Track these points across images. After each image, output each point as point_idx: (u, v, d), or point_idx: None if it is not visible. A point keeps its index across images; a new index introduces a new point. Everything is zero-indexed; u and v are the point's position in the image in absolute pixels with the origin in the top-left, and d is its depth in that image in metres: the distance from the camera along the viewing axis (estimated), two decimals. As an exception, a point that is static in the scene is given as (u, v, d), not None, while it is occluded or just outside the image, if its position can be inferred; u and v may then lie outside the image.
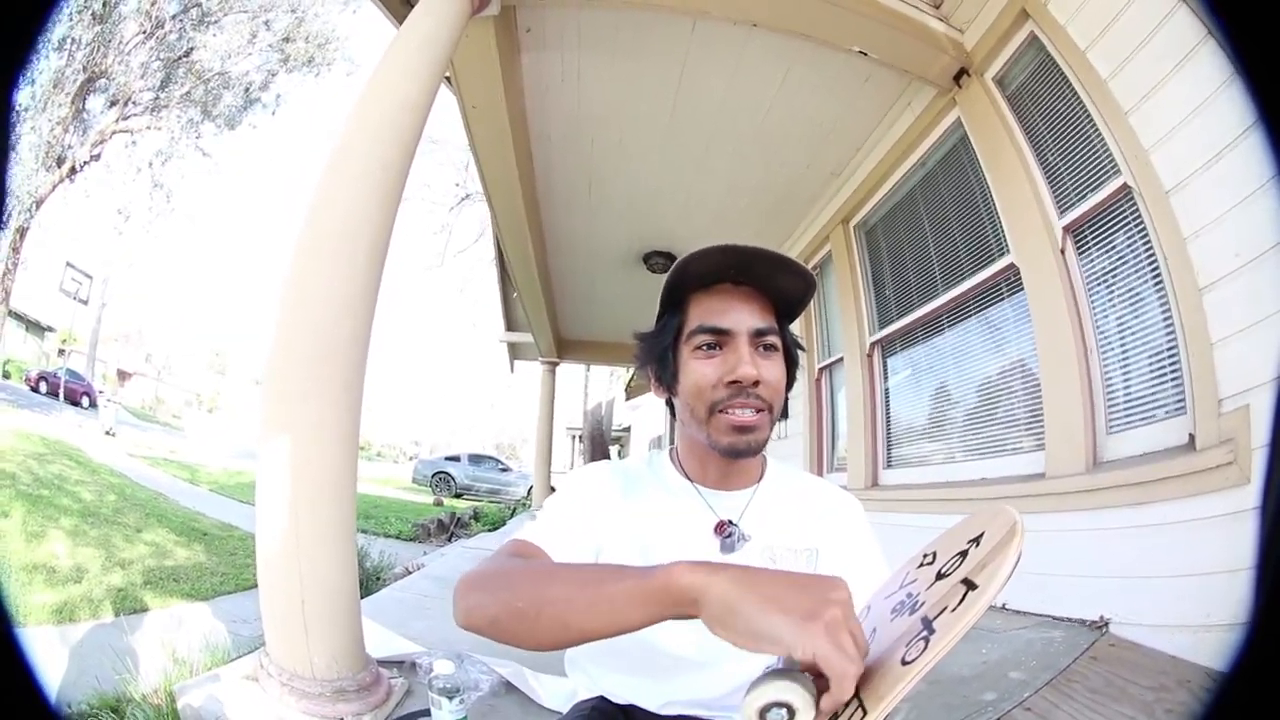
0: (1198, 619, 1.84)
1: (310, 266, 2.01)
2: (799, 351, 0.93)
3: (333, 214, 2.03)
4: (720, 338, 0.84)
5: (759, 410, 0.83)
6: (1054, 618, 2.31)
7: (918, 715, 1.78)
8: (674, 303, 0.89)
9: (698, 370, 0.85)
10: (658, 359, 0.91)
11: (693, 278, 0.86)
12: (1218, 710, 0.51)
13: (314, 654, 1.83)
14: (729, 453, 0.84)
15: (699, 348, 0.85)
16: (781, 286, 0.87)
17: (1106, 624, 2.13)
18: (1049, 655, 2.04)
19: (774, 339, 0.86)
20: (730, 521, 0.89)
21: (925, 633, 0.47)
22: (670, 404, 0.95)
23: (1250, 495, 1.74)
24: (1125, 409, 2.37)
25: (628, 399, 17.99)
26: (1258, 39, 0.50)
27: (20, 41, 0.54)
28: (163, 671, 2.12)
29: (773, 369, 0.85)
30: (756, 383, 0.82)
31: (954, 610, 0.47)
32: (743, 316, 0.84)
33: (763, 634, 0.48)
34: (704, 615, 0.52)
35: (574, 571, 0.63)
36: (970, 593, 0.47)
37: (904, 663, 0.46)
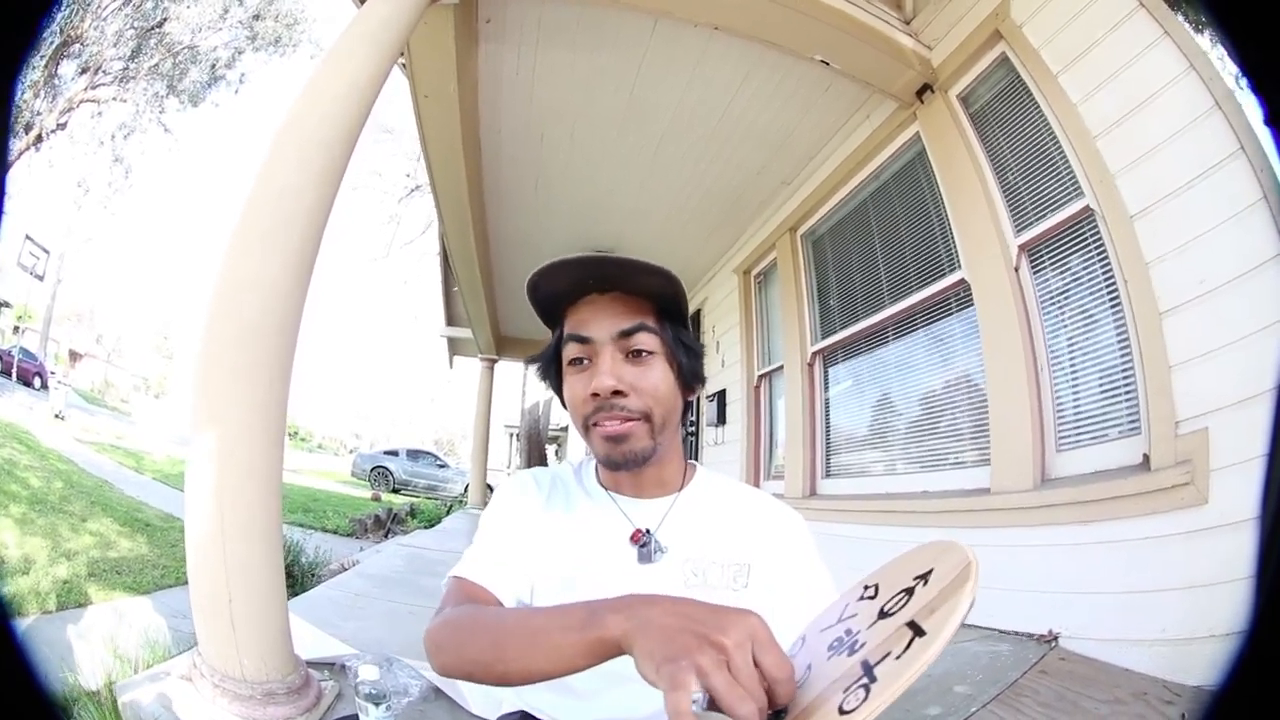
0: (1152, 633, 1.87)
1: (243, 252, 1.93)
2: (698, 352, 0.89)
3: (268, 198, 1.96)
4: (586, 348, 0.83)
5: (627, 420, 0.81)
6: (1000, 631, 2.32)
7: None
8: (553, 320, 0.90)
9: (570, 386, 0.85)
10: (548, 378, 0.92)
11: (557, 296, 0.86)
12: (1217, 715, 0.49)
13: (243, 655, 1.77)
14: (607, 464, 0.84)
15: (571, 362, 0.85)
16: (647, 288, 0.83)
17: (1056, 638, 2.15)
18: (996, 669, 2.04)
19: (645, 340, 0.82)
20: (647, 531, 0.87)
21: (865, 680, 0.44)
22: None
23: (1208, 516, 1.78)
24: (1076, 427, 2.40)
25: (566, 399, 17.87)
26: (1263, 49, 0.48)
27: (20, 37, 0.52)
28: (104, 669, 2.06)
29: (646, 375, 0.82)
30: (617, 392, 0.80)
31: (899, 658, 0.43)
32: (605, 322, 0.82)
33: (647, 680, 0.49)
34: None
35: (523, 623, 0.65)
36: (917, 639, 0.43)
37: (842, 712, 0.43)
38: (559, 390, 0.89)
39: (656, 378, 0.82)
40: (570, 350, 0.84)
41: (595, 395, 0.80)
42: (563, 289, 0.84)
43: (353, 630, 2.68)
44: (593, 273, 0.82)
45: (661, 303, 0.85)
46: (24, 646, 0.54)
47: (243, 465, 1.83)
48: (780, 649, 0.48)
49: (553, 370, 0.90)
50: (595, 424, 0.82)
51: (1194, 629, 1.76)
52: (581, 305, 0.85)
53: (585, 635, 0.56)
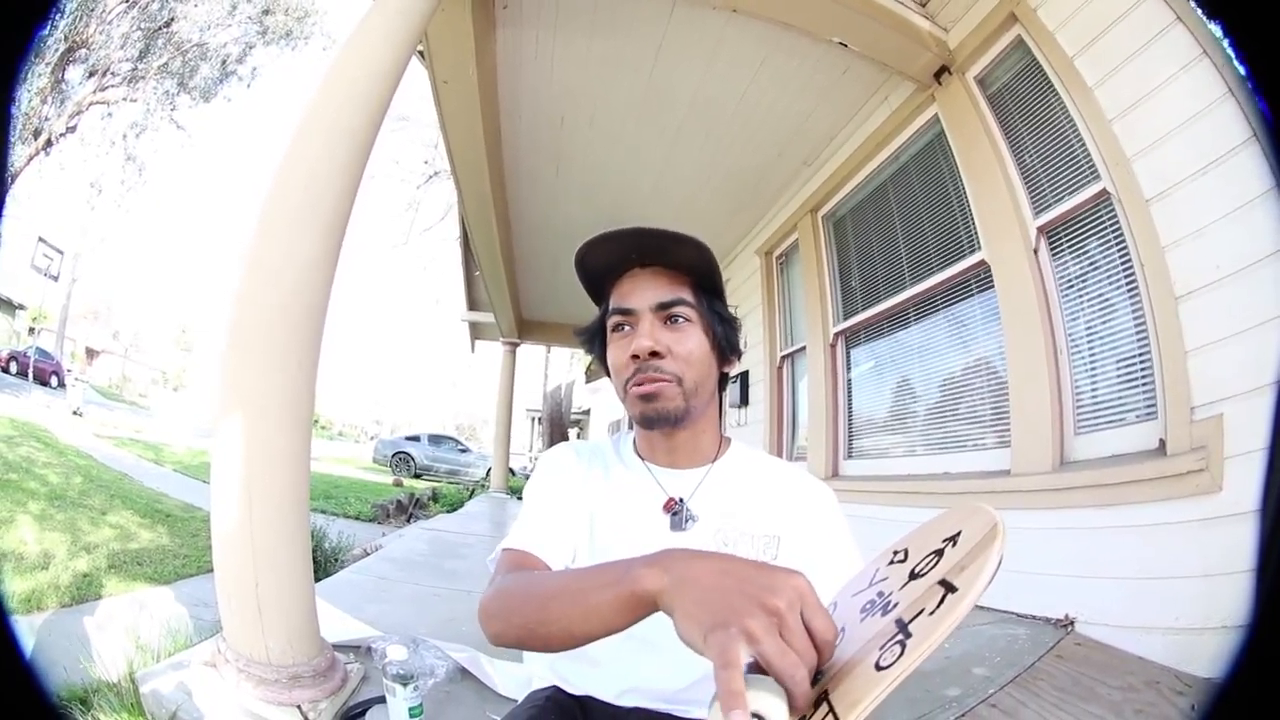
0: (1166, 621, 1.86)
1: (269, 237, 1.95)
2: (733, 324, 0.94)
3: (295, 183, 1.97)
4: (628, 318, 0.89)
5: (662, 381, 0.85)
6: (1017, 614, 2.32)
7: (879, 708, 1.78)
8: (600, 295, 0.96)
9: (612, 352, 0.91)
10: (593, 349, 0.97)
11: (603, 270, 0.92)
12: (1219, 711, 0.49)
13: (269, 639, 1.78)
14: (643, 423, 0.89)
15: (614, 330, 0.91)
16: (682, 259, 0.89)
17: (1072, 623, 2.15)
18: (1013, 652, 2.04)
19: (682, 310, 0.88)
20: (680, 500, 0.90)
21: (900, 636, 0.44)
22: None
23: (1222, 503, 1.76)
24: (1094, 411, 2.39)
25: (588, 382, 18.00)
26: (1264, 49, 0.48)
27: (17, 42, 0.54)
28: (126, 659, 2.06)
29: (682, 340, 0.87)
30: (654, 354, 0.85)
31: (932, 613, 0.44)
32: (645, 294, 0.88)
33: (690, 644, 0.47)
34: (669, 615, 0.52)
35: (566, 584, 0.66)
36: (949, 595, 0.44)
37: (879, 668, 0.43)
38: (603, 360, 0.95)
39: (692, 344, 0.87)
40: (614, 320, 0.91)
41: (635, 358, 0.86)
42: (607, 264, 0.91)
43: (376, 613, 2.70)
44: (632, 246, 0.89)
45: (698, 276, 0.90)
46: (21, 645, 0.55)
47: (270, 448, 1.84)
48: (827, 611, 0.48)
49: (598, 342, 0.96)
50: (633, 385, 0.87)
51: (1206, 618, 1.76)
52: (624, 280, 0.91)
53: (620, 590, 0.55)
